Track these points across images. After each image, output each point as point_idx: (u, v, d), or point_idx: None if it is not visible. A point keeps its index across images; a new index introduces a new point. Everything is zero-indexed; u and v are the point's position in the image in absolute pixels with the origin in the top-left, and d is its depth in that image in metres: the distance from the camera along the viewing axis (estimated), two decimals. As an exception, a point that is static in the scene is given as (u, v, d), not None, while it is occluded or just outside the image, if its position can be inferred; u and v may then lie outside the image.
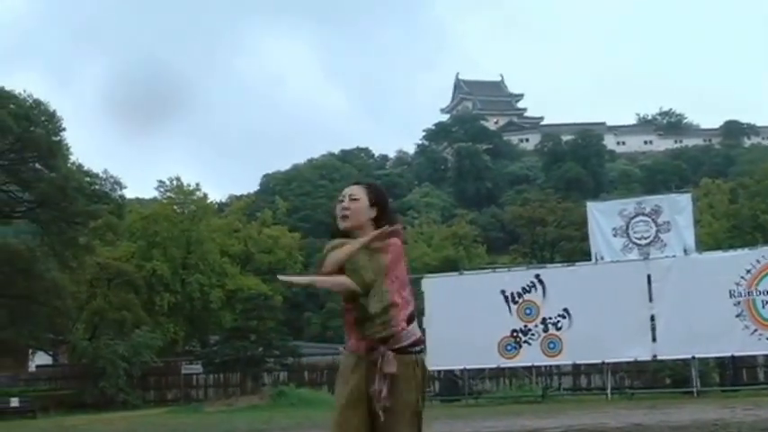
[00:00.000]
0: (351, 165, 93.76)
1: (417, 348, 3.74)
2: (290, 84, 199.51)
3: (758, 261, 20.33)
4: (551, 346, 21.72)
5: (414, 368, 3.69)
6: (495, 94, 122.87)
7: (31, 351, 36.74)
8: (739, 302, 20.09)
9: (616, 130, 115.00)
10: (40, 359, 38.20)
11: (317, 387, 30.31)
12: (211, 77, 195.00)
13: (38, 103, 30.86)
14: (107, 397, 31.15)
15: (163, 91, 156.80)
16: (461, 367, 22.93)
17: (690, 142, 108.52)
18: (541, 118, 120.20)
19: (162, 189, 43.87)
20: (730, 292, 20.17)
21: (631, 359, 22.13)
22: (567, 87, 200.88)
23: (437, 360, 22.72)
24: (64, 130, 31.40)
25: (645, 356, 21.45)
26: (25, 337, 31.90)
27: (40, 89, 68.78)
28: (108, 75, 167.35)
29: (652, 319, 20.94)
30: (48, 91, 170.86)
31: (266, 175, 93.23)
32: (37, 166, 31.43)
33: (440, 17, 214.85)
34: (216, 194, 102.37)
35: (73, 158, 32.59)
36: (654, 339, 20.85)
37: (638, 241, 21.93)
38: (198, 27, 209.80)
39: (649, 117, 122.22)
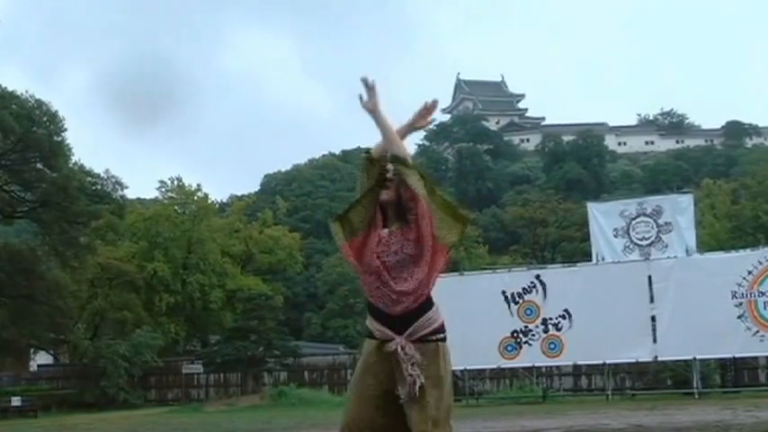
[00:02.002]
0: (351, 165, 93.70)
1: (440, 336, 3.63)
2: (290, 83, 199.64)
3: (760, 262, 20.31)
4: (552, 346, 21.72)
5: (435, 357, 3.56)
6: (495, 95, 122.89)
7: (32, 350, 36.80)
8: (741, 303, 20.08)
9: (617, 130, 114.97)
10: (42, 358, 38.28)
11: (318, 387, 30.34)
12: (212, 77, 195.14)
13: (39, 103, 30.94)
14: (108, 396, 31.22)
15: (162, 91, 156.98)
16: (462, 368, 22.90)
17: (691, 143, 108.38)
18: (542, 118, 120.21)
19: (163, 189, 43.96)
20: (732, 293, 20.15)
21: (632, 360, 22.13)
22: (568, 88, 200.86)
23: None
24: (65, 130, 31.49)
25: (646, 357, 21.44)
26: (26, 337, 31.94)
27: (39, 89, 68.92)
28: (105, 74, 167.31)
29: (653, 319, 20.93)
30: (46, 91, 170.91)
31: (267, 176, 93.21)
32: (39, 166, 31.49)
33: (440, 17, 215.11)
34: (217, 194, 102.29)
35: (74, 159, 32.70)
36: (655, 340, 20.83)
37: (640, 242, 21.91)
38: (193, 25, 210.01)
39: (651, 117, 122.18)
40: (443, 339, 3.65)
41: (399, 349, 3.51)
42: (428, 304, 3.64)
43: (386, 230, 3.60)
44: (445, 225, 3.51)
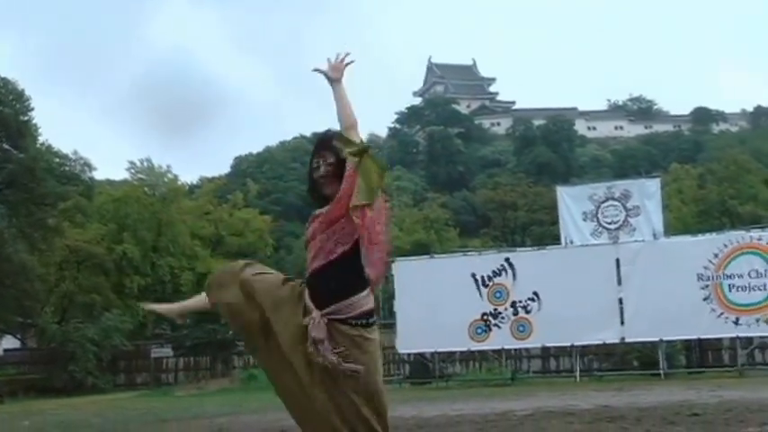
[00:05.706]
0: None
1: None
2: (260, 64, 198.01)
3: (725, 245, 20.60)
4: (521, 329, 21.89)
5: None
6: (467, 78, 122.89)
7: (-2, 334, 36.32)
8: (707, 286, 20.36)
9: (587, 115, 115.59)
10: (8, 343, 37.74)
11: (288, 370, 30.24)
12: (186, 59, 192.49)
13: (5, 81, 30.43)
14: (76, 381, 30.86)
15: (133, 69, 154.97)
16: (432, 350, 23.06)
17: (660, 128, 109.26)
18: (513, 102, 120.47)
19: (133, 170, 43.54)
20: (698, 275, 20.42)
21: (600, 342, 22.36)
22: (538, 72, 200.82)
23: (407, 343, 22.90)
24: (32, 109, 31.03)
25: (613, 339, 21.68)
26: (-8, 321, 31.55)
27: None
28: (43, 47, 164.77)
29: (620, 302, 21.18)
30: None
31: (238, 158, 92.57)
32: (5, 146, 31.00)
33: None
34: (187, 176, 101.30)
35: (42, 139, 32.25)
36: (622, 322, 21.08)
37: (608, 225, 22.11)
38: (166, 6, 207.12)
39: (620, 103, 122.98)
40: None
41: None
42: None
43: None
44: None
